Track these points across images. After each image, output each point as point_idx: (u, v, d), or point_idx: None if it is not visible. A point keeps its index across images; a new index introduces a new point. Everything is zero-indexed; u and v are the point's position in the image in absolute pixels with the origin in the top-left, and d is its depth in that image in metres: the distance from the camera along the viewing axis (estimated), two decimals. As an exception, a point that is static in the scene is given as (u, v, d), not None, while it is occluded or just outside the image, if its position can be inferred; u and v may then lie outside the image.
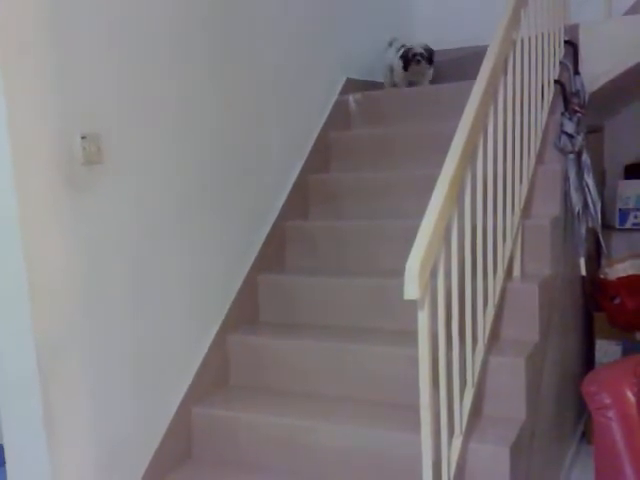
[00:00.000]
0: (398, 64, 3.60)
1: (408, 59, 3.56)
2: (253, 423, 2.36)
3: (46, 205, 1.88)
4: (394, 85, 3.68)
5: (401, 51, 3.59)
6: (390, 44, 3.70)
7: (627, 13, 3.28)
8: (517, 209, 2.44)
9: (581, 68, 3.00)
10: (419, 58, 3.54)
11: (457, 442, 1.94)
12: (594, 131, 3.58)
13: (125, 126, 2.14)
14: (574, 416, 3.18)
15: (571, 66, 2.98)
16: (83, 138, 1.96)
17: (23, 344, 1.86)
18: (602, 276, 3.36)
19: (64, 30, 1.91)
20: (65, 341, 1.94)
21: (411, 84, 3.62)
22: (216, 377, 2.56)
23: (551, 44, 2.84)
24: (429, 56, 3.57)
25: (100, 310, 2.06)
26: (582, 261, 2.92)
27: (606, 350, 3.27)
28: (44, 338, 1.88)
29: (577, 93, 2.91)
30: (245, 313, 2.73)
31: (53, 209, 1.90)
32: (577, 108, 2.85)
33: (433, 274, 1.70)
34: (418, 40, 3.68)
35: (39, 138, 1.85)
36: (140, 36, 2.18)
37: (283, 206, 2.98)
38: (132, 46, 2.15)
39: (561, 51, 3.01)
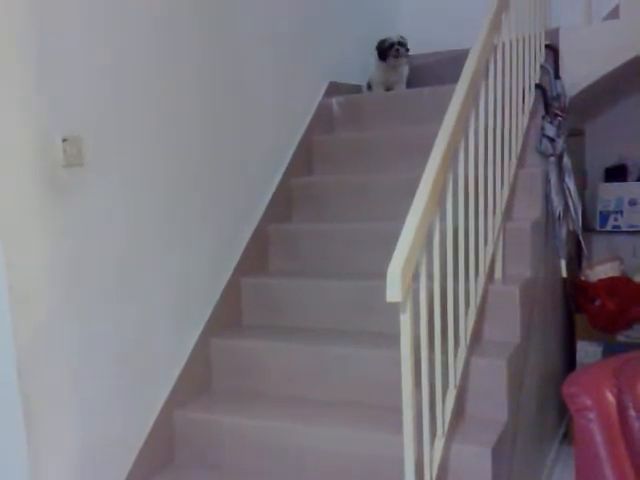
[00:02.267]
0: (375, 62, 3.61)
1: (384, 49, 3.57)
2: (236, 427, 2.35)
3: (27, 208, 1.87)
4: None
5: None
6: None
7: (607, 18, 3.31)
8: (498, 212, 2.46)
9: (562, 72, 3.02)
10: (397, 47, 3.54)
11: (439, 443, 1.95)
12: (575, 134, 3.61)
13: (106, 129, 2.13)
14: (556, 417, 3.20)
15: (552, 70, 3.00)
16: (64, 141, 1.95)
17: (3, 346, 1.84)
18: (583, 278, 3.39)
19: (46, 32, 1.90)
20: (46, 344, 1.93)
21: (389, 88, 3.63)
22: (199, 381, 2.55)
23: (532, 48, 2.86)
24: (405, 45, 3.59)
25: (82, 312, 2.05)
26: (563, 263, 2.95)
27: (587, 351, 3.29)
28: (24, 340, 1.86)
29: (558, 97, 2.94)
30: (228, 316, 2.73)
31: (34, 212, 1.89)
32: (558, 112, 2.87)
33: (415, 276, 1.71)
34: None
35: (20, 141, 1.84)
36: (123, 36, 2.18)
37: (266, 209, 2.98)
38: (115, 46, 2.15)
39: (542, 55, 3.03)
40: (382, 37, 3.64)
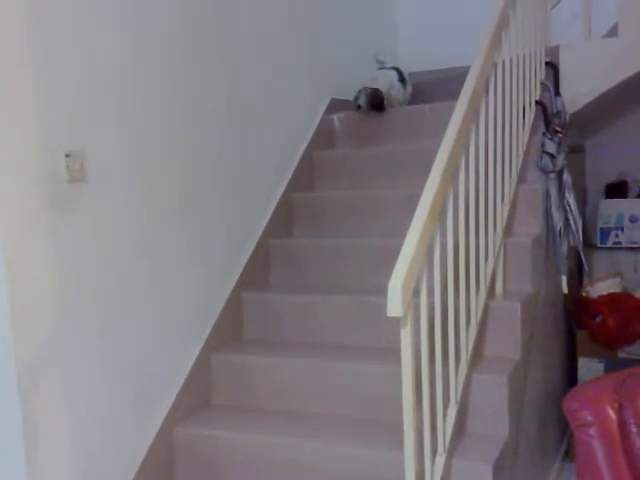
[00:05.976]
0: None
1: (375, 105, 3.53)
2: (236, 443, 2.34)
3: (29, 223, 1.87)
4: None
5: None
6: (378, 61, 3.73)
7: (606, 36, 3.34)
8: (499, 227, 2.47)
9: (562, 89, 3.05)
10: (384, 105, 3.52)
11: (440, 459, 1.94)
12: (575, 151, 3.62)
13: (110, 144, 2.14)
14: (557, 433, 3.19)
15: (552, 87, 3.02)
16: (67, 156, 1.96)
17: (3, 360, 1.84)
18: (584, 294, 3.39)
19: (48, 47, 1.92)
20: (45, 358, 1.93)
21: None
22: (199, 396, 2.55)
23: (532, 65, 2.88)
24: (401, 79, 3.59)
25: (83, 327, 2.05)
26: (564, 279, 2.95)
27: (588, 367, 3.29)
28: (24, 354, 1.86)
29: (558, 114, 2.96)
30: (229, 331, 2.72)
31: (36, 227, 1.89)
32: (558, 128, 2.89)
33: (416, 291, 1.72)
34: (400, 61, 3.73)
35: (22, 156, 1.85)
36: (125, 51, 2.20)
37: (268, 224, 2.98)
38: (118, 61, 2.16)
39: (542, 72, 3.05)
40: (382, 55, 3.68)
